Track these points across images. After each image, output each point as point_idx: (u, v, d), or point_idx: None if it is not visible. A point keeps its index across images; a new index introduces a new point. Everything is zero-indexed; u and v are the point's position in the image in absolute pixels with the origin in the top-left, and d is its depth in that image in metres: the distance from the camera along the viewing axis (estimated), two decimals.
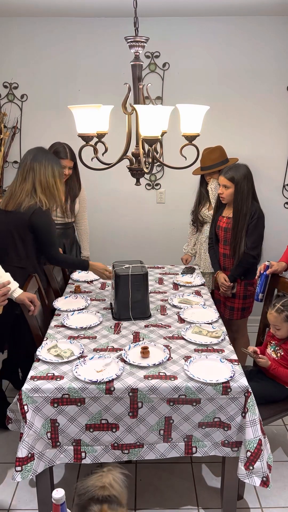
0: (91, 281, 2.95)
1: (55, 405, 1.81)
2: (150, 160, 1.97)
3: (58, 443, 1.86)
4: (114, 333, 2.24)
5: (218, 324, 2.35)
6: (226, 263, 2.88)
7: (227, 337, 2.21)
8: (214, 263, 2.98)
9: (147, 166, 1.92)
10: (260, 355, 2.20)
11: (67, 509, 1.30)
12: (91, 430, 1.85)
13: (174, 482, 2.30)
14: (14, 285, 2.17)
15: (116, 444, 1.87)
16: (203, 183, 3.13)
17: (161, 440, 1.87)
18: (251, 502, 2.19)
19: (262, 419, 1.89)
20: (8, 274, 2.22)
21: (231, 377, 1.85)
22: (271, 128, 3.51)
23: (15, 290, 2.17)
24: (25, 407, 1.79)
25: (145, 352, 1.99)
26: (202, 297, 2.67)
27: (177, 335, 2.22)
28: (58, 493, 1.26)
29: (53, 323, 2.35)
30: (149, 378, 1.85)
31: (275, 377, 2.24)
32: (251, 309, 2.92)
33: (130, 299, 2.34)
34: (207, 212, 3.11)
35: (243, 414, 1.84)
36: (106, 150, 2.08)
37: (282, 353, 2.24)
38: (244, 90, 3.43)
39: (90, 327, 2.29)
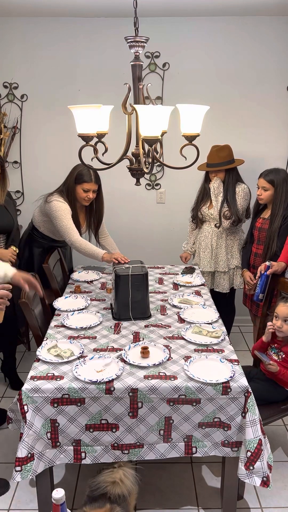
0: (91, 281, 2.95)
1: (55, 405, 1.81)
2: (150, 160, 1.96)
3: (58, 443, 1.86)
4: (114, 333, 2.24)
5: (218, 324, 2.35)
6: (256, 262, 2.93)
7: (227, 337, 2.21)
8: (243, 261, 3.08)
9: (147, 166, 1.92)
10: (270, 362, 2.20)
11: (67, 509, 1.30)
12: (91, 430, 1.85)
13: (174, 482, 2.30)
14: (10, 272, 2.12)
15: (116, 444, 1.87)
16: (208, 180, 3.13)
17: (161, 440, 1.87)
18: (251, 502, 2.19)
19: (262, 419, 1.89)
20: (6, 264, 2.18)
21: (231, 377, 1.85)
22: (271, 128, 3.51)
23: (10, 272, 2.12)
24: (25, 407, 1.79)
25: (145, 352, 1.99)
26: (202, 297, 2.67)
27: (177, 335, 2.22)
28: (58, 493, 1.26)
29: (53, 323, 2.35)
30: (149, 378, 1.85)
31: (275, 376, 2.24)
32: (261, 307, 2.91)
33: (130, 299, 2.34)
34: (207, 211, 3.11)
35: (243, 414, 1.84)
36: (106, 150, 2.08)
37: (284, 356, 2.24)
38: (244, 90, 3.43)
39: (90, 327, 2.29)
